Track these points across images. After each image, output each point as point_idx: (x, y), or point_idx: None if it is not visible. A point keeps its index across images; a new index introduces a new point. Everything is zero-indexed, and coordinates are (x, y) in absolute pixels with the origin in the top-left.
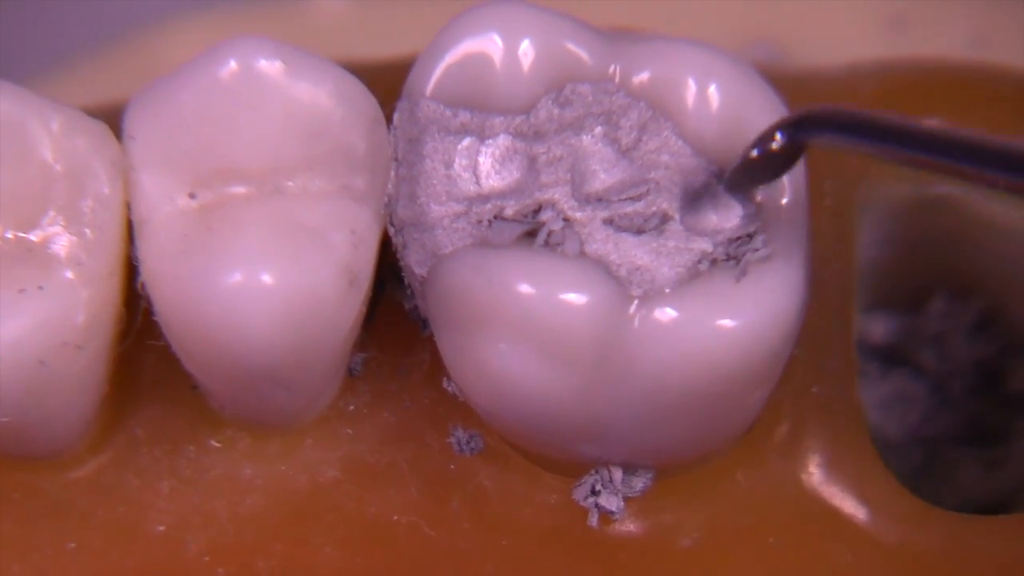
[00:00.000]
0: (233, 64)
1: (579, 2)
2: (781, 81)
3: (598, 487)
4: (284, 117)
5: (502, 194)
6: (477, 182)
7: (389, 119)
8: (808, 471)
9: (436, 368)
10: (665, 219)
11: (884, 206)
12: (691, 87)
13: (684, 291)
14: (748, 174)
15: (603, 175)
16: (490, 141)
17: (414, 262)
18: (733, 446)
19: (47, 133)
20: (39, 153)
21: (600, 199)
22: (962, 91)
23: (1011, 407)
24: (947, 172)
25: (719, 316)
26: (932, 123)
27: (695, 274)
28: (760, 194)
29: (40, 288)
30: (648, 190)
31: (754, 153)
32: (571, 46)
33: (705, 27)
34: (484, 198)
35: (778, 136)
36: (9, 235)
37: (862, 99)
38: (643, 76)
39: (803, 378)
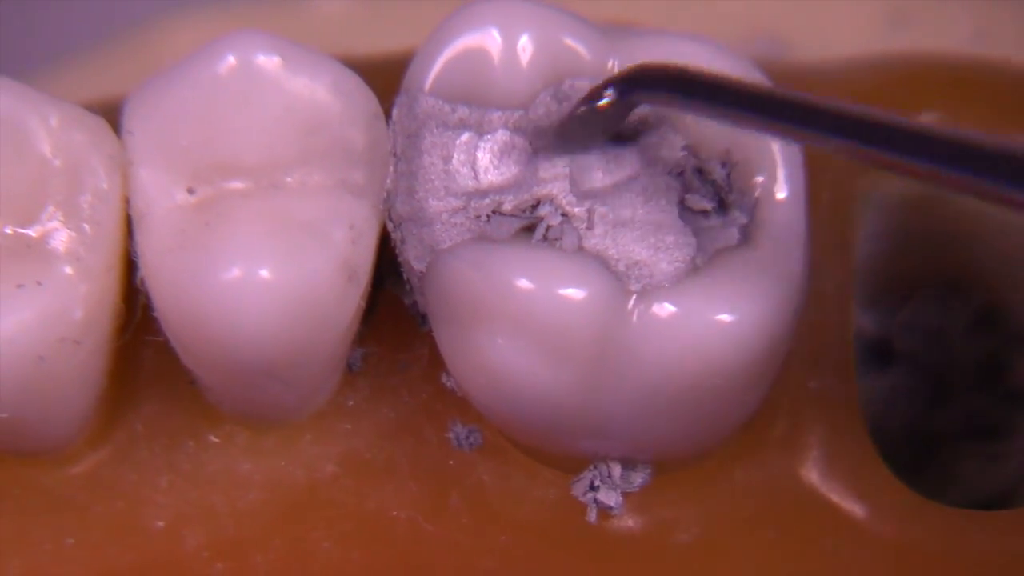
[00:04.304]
0: (231, 59)
1: None
2: (780, 76)
3: (597, 482)
4: (282, 112)
5: (500, 189)
6: (475, 177)
7: (388, 114)
8: (806, 466)
9: (435, 363)
10: (664, 214)
11: (883, 200)
12: None
13: (682, 286)
14: (578, 128)
15: (601, 170)
16: (488, 136)
17: (413, 257)
18: (731, 441)
19: (45, 128)
20: (37, 148)
21: (598, 194)
22: (962, 86)
23: (1010, 402)
24: (789, 136)
25: (718, 311)
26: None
27: (693, 269)
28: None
29: (38, 283)
30: (646, 185)
31: (583, 108)
32: (570, 41)
33: (704, 22)
34: (482, 193)
35: (608, 92)
36: (7, 230)
37: (861, 94)
38: None
39: (801, 373)
